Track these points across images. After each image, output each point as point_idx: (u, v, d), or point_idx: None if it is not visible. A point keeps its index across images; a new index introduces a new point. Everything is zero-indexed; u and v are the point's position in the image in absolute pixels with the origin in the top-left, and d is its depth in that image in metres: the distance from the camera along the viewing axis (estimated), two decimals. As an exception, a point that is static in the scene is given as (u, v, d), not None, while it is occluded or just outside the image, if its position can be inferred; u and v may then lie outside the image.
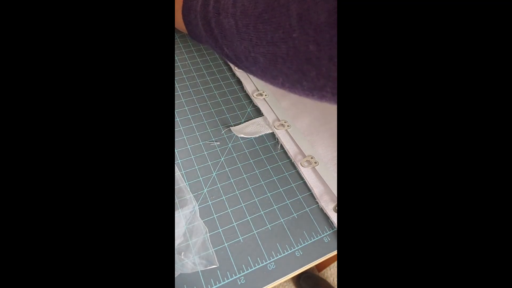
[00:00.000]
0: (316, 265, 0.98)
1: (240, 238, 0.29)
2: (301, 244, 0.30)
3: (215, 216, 0.30)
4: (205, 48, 0.46)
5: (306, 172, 0.34)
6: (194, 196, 0.31)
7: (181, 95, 0.39)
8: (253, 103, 0.40)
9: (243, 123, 0.38)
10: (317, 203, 0.32)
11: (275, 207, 0.32)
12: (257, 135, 0.36)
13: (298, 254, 0.29)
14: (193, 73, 0.42)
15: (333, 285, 0.94)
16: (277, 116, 0.38)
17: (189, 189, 0.31)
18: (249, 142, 0.36)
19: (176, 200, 0.30)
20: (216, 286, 0.26)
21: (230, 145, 0.36)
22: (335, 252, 0.30)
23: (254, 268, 0.28)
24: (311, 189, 0.33)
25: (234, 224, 0.30)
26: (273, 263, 0.28)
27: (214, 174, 0.33)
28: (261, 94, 0.40)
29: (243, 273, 0.27)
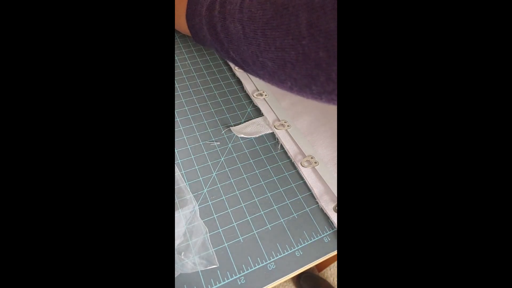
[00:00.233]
0: (316, 265, 0.98)
1: (240, 238, 0.29)
2: (301, 244, 0.30)
3: (215, 216, 0.30)
4: (205, 48, 0.46)
5: (306, 172, 0.34)
6: (194, 196, 0.31)
7: (181, 95, 0.39)
8: (253, 103, 0.40)
9: (243, 123, 0.38)
10: (317, 203, 0.32)
11: (275, 207, 0.32)
12: (257, 135, 0.36)
13: (298, 254, 0.29)
14: (193, 73, 0.42)
15: (333, 285, 0.94)
16: (277, 116, 0.38)
17: (189, 189, 0.31)
18: (249, 142, 0.36)
19: (176, 200, 0.30)
20: (216, 286, 0.26)
21: (230, 145, 0.36)
22: (335, 252, 0.30)
23: (254, 268, 0.28)
24: (311, 189, 0.33)
25: (234, 224, 0.30)
26: (273, 263, 0.28)
27: (214, 174, 0.33)
28: (261, 94, 0.40)
29: (243, 273, 0.27)
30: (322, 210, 0.32)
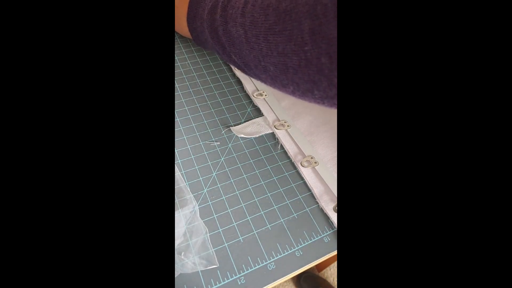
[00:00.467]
0: (316, 265, 0.98)
1: (240, 238, 0.29)
2: (301, 244, 0.30)
3: (215, 216, 0.30)
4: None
5: (306, 172, 0.34)
6: (194, 196, 0.31)
7: (181, 95, 0.39)
8: (253, 103, 0.40)
9: (243, 123, 0.38)
10: (317, 203, 0.32)
11: (275, 207, 0.32)
12: (257, 135, 0.36)
13: (298, 254, 0.29)
14: (193, 73, 0.42)
15: (333, 285, 0.94)
16: (277, 116, 0.38)
17: (189, 189, 0.31)
18: (249, 142, 0.36)
19: (176, 200, 0.30)
20: (216, 286, 0.26)
21: (230, 145, 0.36)
22: (335, 252, 0.30)
23: (254, 268, 0.28)
24: (311, 189, 0.33)
25: (234, 224, 0.30)
26: (273, 263, 0.28)
27: (214, 174, 0.33)
28: (261, 94, 0.40)
29: (243, 273, 0.27)
30: (322, 210, 0.32)
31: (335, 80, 0.20)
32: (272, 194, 0.32)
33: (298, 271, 0.29)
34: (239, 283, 0.27)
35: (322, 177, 0.33)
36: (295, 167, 0.35)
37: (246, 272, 0.27)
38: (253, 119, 0.38)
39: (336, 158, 0.36)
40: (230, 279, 0.27)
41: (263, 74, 0.27)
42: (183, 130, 0.36)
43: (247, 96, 0.41)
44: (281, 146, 0.36)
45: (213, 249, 0.28)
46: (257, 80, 0.30)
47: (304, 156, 0.35)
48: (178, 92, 0.39)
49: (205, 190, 0.32)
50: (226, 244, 0.29)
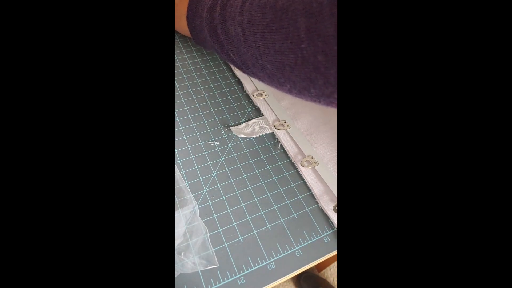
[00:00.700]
0: (316, 265, 0.98)
1: (240, 238, 0.29)
2: (301, 244, 0.30)
3: (215, 216, 0.30)
4: (205, 49, 0.46)
5: (306, 172, 0.34)
6: (194, 196, 0.31)
7: (181, 95, 0.39)
8: (253, 103, 0.40)
9: (243, 123, 0.38)
10: (317, 203, 0.32)
11: (275, 207, 0.32)
12: (257, 135, 0.36)
13: (298, 254, 0.29)
14: (193, 73, 0.42)
15: (333, 285, 0.94)
16: (277, 116, 0.38)
17: (189, 189, 0.31)
18: (249, 142, 0.36)
19: (176, 200, 0.30)
20: (216, 286, 0.26)
21: (230, 145, 0.36)
22: (335, 252, 0.30)
23: (254, 268, 0.28)
24: (311, 189, 0.33)
25: (234, 224, 0.30)
26: (273, 263, 0.28)
27: (214, 174, 0.33)
28: (261, 94, 0.40)
29: (243, 273, 0.27)
30: (322, 210, 0.32)
31: (331, 78, 0.20)
32: (272, 194, 0.32)
33: (298, 271, 0.29)
34: (239, 283, 0.27)
35: (322, 177, 0.33)
36: (295, 167, 0.35)
37: (246, 272, 0.27)
38: (253, 119, 0.38)
39: (336, 158, 0.36)
40: (230, 279, 0.27)
41: (261, 72, 0.27)
42: (183, 130, 0.36)
43: (247, 96, 0.41)
44: (281, 146, 0.36)
45: (213, 249, 0.28)
46: (255, 78, 0.30)
47: (304, 156, 0.35)
48: (178, 92, 0.39)
49: (205, 190, 0.32)
50: (226, 244, 0.29)
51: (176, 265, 0.26)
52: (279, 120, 0.38)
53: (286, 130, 0.37)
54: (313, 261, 0.29)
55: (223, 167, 0.34)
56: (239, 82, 0.42)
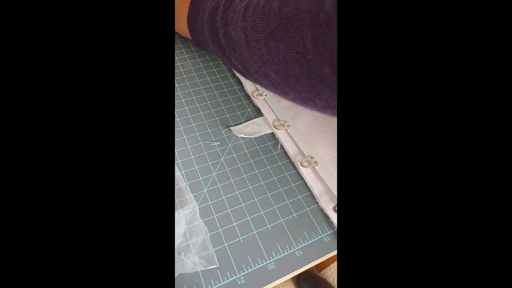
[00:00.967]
0: (316, 265, 0.98)
1: (240, 238, 0.29)
2: (301, 244, 0.30)
3: (215, 216, 0.30)
4: (205, 48, 0.46)
5: (306, 172, 0.34)
6: (194, 196, 0.31)
7: (181, 95, 0.39)
8: (253, 103, 0.40)
9: (243, 123, 0.38)
10: (317, 203, 0.32)
11: (275, 207, 0.32)
12: (257, 135, 0.36)
13: (298, 254, 0.29)
14: (193, 73, 0.42)
15: (333, 285, 0.94)
16: (277, 116, 0.38)
17: (189, 189, 0.31)
18: (249, 142, 0.36)
19: (176, 200, 0.30)
20: (216, 286, 0.26)
21: (230, 145, 0.36)
22: (335, 252, 0.30)
23: (254, 268, 0.28)
24: (311, 189, 0.33)
25: (234, 224, 0.30)
26: (273, 263, 0.28)
27: (214, 174, 0.33)
28: (261, 94, 0.40)
29: (243, 273, 0.27)
30: (322, 210, 0.32)
31: None
32: (272, 194, 0.32)
33: (298, 271, 0.29)
34: (239, 283, 0.27)
35: (322, 177, 0.33)
36: (295, 167, 0.35)
37: (246, 272, 0.27)
38: (253, 119, 0.38)
39: (336, 158, 0.36)
40: (230, 279, 0.27)
41: (264, 80, 0.27)
42: (183, 130, 0.36)
43: (247, 96, 0.41)
44: (281, 146, 0.36)
45: (213, 249, 0.28)
46: (258, 84, 0.30)
47: (304, 156, 0.35)
48: (178, 92, 0.39)
49: (205, 190, 0.32)
50: (226, 244, 0.29)
51: (176, 265, 0.26)
52: (279, 120, 0.38)
53: (286, 130, 0.37)
54: (313, 261, 0.29)
55: (223, 167, 0.34)
56: (239, 82, 0.42)
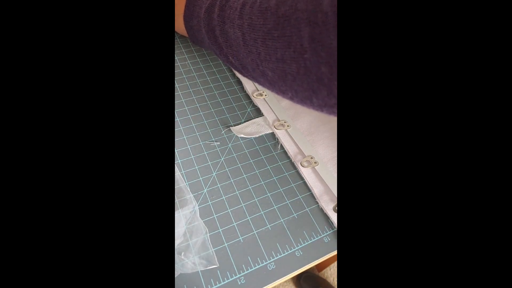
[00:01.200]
0: (316, 265, 0.98)
1: (240, 238, 0.29)
2: (301, 244, 0.30)
3: (215, 216, 0.30)
4: (205, 49, 0.46)
5: (306, 172, 0.34)
6: (194, 196, 0.31)
7: (181, 95, 0.39)
8: (253, 103, 0.40)
9: (243, 123, 0.38)
10: (317, 203, 0.32)
11: (275, 207, 0.32)
12: (257, 135, 0.36)
13: (298, 254, 0.29)
14: (193, 73, 0.42)
15: (333, 285, 0.94)
16: (277, 116, 0.38)
17: (189, 189, 0.31)
18: (249, 142, 0.36)
19: (176, 200, 0.30)
20: (216, 286, 0.26)
21: (230, 145, 0.36)
22: (335, 252, 0.30)
23: (254, 268, 0.28)
24: (311, 189, 0.33)
25: (234, 224, 0.30)
26: (273, 263, 0.28)
27: (214, 174, 0.33)
28: (261, 94, 0.40)
29: (243, 273, 0.27)
30: (322, 210, 0.32)
31: (335, 89, 0.20)
32: (272, 194, 0.32)
33: (298, 271, 0.29)
34: (239, 283, 0.27)
35: (322, 177, 0.33)
36: (295, 167, 0.35)
37: (246, 272, 0.27)
38: (253, 119, 0.38)
39: (336, 158, 0.36)
40: (230, 279, 0.27)
41: (261, 78, 0.27)
42: (183, 130, 0.36)
43: (247, 96, 0.41)
44: (281, 146, 0.36)
45: (213, 249, 0.28)
46: (255, 82, 0.30)
47: (304, 156, 0.35)
48: (178, 92, 0.39)
49: (205, 190, 0.32)
50: (226, 244, 0.29)
51: (176, 265, 0.26)
52: (279, 120, 0.38)
53: (286, 130, 0.37)
54: (313, 261, 0.29)
55: (223, 167, 0.34)
56: (239, 82, 0.42)
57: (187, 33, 0.36)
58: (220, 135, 0.36)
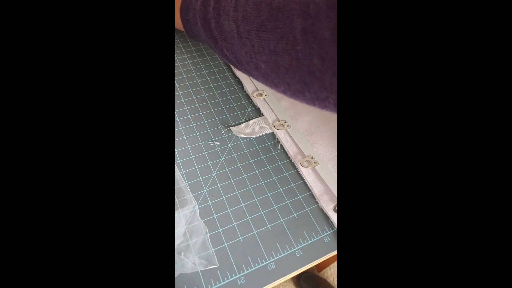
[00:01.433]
0: (316, 265, 0.98)
1: (240, 238, 0.29)
2: (301, 244, 0.30)
3: (215, 216, 0.30)
4: (205, 48, 0.46)
5: (306, 172, 0.34)
6: (194, 196, 0.31)
7: (181, 95, 0.39)
8: (253, 103, 0.40)
9: (243, 123, 0.38)
10: (317, 203, 0.32)
11: (275, 207, 0.32)
12: (257, 135, 0.36)
13: (298, 254, 0.29)
14: (193, 73, 0.42)
15: (333, 285, 0.94)
16: (277, 116, 0.38)
17: (189, 189, 0.31)
18: (249, 142, 0.36)
19: (176, 200, 0.30)
20: (216, 286, 0.26)
21: (230, 145, 0.36)
22: (335, 252, 0.30)
23: (254, 268, 0.28)
24: (311, 189, 0.33)
25: (234, 224, 0.30)
26: (273, 263, 0.28)
27: (214, 174, 0.33)
28: (261, 94, 0.40)
29: (243, 273, 0.27)
30: (322, 210, 0.32)
31: (327, 82, 0.20)
32: (272, 194, 0.32)
33: (298, 271, 0.29)
34: (239, 283, 0.27)
35: (322, 177, 0.33)
36: (295, 167, 0.35)
37: (246, 272, 0.27)
38: (253, 119, 0.38)
39: (336, 158, 0.36)
40: (230, 279, 0.27)
41: (255, 71, 0.26)
42: (183, 130, 0.36)
43: (247, 96, 0.41)
44: (281, 146, 0.36)
45: (213, 249, 0.28)
46: (249, 76, 0.29)
47: (304, 156, 0.35)
48: (178, 92, 0.39)
49: (205, 190, 0.32)
50: (226, 244, 0.29)
51: (176, 265, 0.26)
52: (279, 120, 0.38)
53: (286, 130, 0.37)
54: (313, 261, 0.29)
55: (223, 167, 0.34)
56: (239, 82, 0.42)
57: (184, 26, 0.36)
58: (220, 135, 0.36)
